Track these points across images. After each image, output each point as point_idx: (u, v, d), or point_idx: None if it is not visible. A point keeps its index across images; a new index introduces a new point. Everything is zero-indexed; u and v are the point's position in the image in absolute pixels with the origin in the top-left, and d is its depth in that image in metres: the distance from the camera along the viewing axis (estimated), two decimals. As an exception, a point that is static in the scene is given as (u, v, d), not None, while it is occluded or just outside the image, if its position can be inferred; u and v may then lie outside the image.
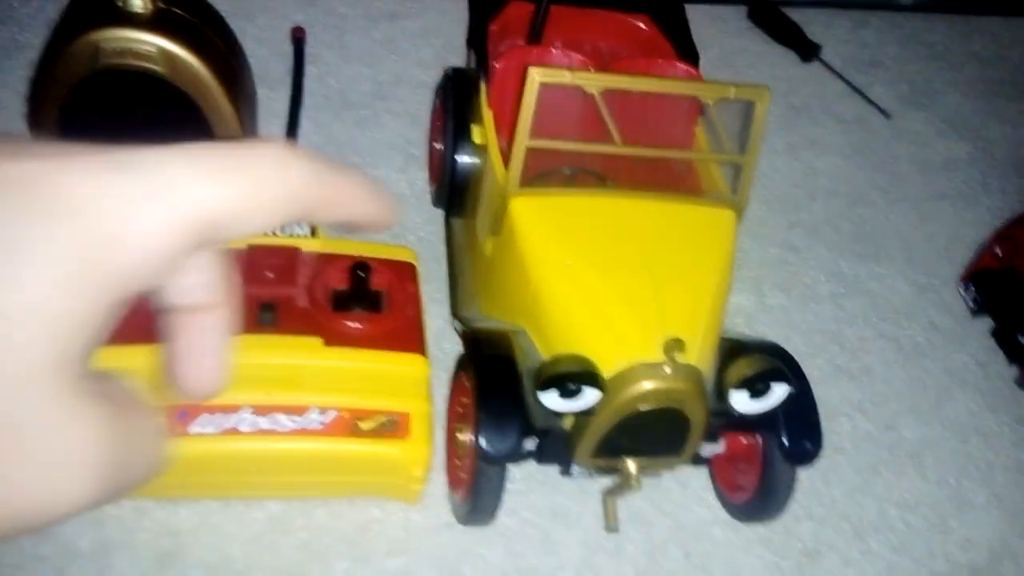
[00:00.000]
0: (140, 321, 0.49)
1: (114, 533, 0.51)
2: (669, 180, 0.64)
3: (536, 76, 0.52)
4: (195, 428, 0.49)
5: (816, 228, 0.79)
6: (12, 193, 0.19)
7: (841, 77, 0.95)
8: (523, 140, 0.53)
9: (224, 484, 0.53)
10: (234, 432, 0.50)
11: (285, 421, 0.51)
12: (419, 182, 0.75)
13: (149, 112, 0.58)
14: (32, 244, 0.19)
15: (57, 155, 0.20)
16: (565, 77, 0.53)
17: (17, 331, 0.18)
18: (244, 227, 0.22)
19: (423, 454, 0.52)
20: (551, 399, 0.48)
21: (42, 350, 0.19)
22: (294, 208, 0.23)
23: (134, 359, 0.50)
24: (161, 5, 0.57)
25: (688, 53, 0.69)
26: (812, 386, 0.54)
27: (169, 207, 0.20)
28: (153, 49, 0.56)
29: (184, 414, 0.50)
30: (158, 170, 0.20)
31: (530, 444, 0.51)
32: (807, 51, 0.96)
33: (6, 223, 0.19)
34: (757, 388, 0.49)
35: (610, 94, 0.54)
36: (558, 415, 0.50)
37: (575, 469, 0.53)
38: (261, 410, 0.51)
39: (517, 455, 0.50)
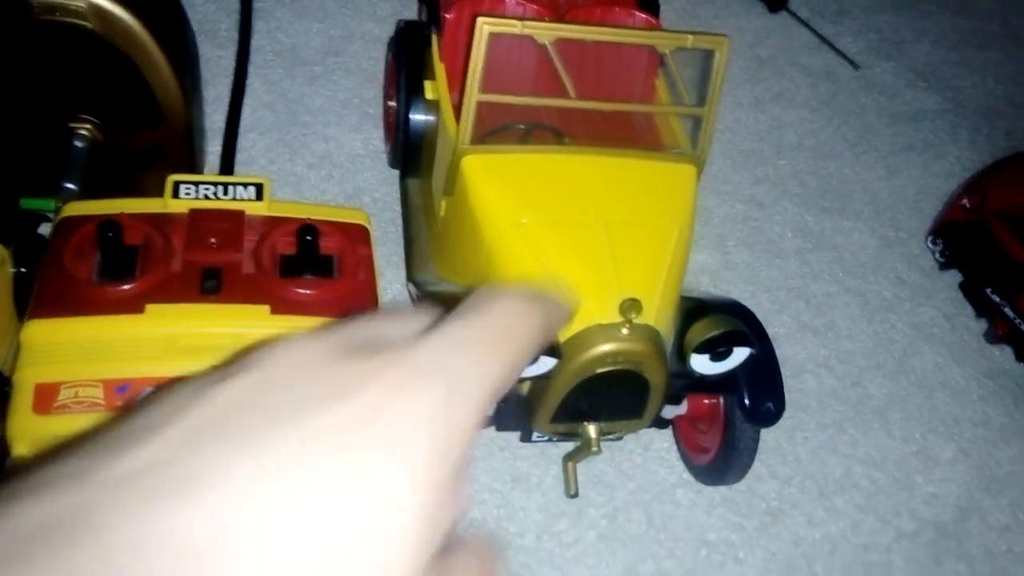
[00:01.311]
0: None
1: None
2: (628, 135, 0.62)
3: (485, 27, 0.50)
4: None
5: (782, 183, 0.77)
6: (355, 429, 0.18)
7: (808, 27, 0.93)
8: (473, 94, 0.51)
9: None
10: (178, 405, 0.48)
11: (231, 392, 0.49)
12: (375, 141, 0.73)
13: (82, 71, 0.55)
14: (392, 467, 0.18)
15: (376, 372, 0.19)
16: (515, 27, 0.51)
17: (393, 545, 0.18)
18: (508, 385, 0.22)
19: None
20: (504, 365, 0.46)
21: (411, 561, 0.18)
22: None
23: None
24: (90, -43, 0.54)
25: (648, 2, 0.66)
26: (777, 344, 0.52)
27: (473, 405, 0.19)
28: (83, 4, 0.53)
29: (125, 388, 0.48)
30: (456, 372, 0.20)
31: (488, 411, 0.50)
32: (774, 1, 0.93)
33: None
34: (718, 351, 0.48)
35: (564, 45, 0.52)
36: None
37: (535, 435, 0.52)
38: (205, 382, 0.49)
39: (472, 422, 0.49)
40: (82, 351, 0.48)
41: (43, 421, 0.46)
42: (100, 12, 0.53)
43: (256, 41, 0.76)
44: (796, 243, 0.73)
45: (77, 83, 0.56)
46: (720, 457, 0.53)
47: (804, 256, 0.72)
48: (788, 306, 0.68)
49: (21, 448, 0.47)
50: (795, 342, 0.66)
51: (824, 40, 0.92)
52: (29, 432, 0.46)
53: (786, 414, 0.51)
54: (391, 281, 0.63)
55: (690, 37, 0.53)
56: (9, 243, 0.52)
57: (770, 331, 0.53)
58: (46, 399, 0.47)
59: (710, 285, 0.68)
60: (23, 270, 0.54)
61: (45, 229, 0.58)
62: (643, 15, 0.64)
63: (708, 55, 0.54)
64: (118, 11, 0.54)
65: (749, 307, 0.54)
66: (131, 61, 0.55)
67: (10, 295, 0.53)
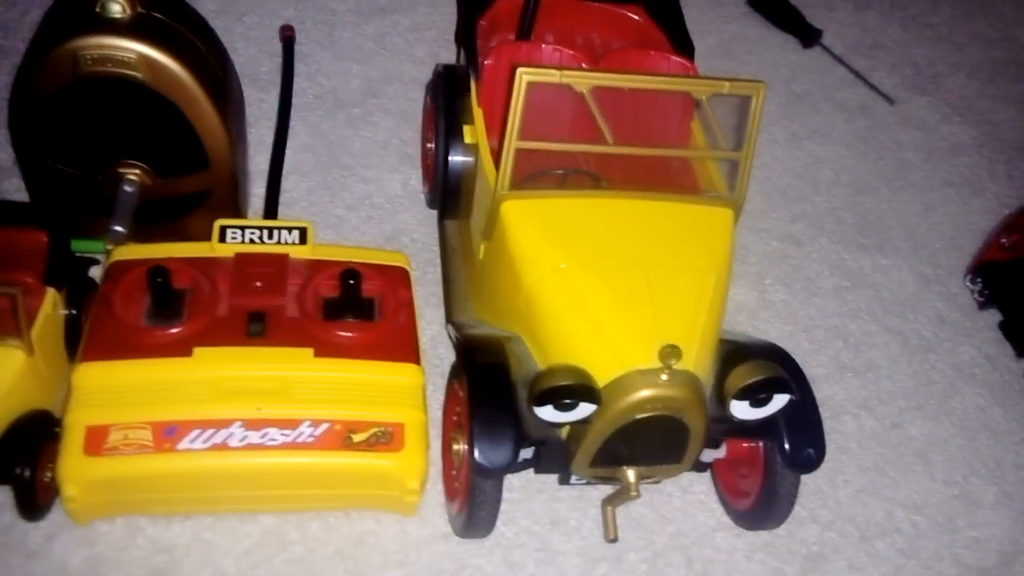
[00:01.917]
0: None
1: (106, 551, 0.50)
2: (665, 178, 0.62)
3: (524, 76, 0.51)
4: (184, 444, 0.48)
5: (819, 220, 0.77)
6: None
7: (843, 63, 0.93)
8: (512, 141, 0.52)
9: (216, 499, 0.52)
10: (224, 447, 0.49)
11: (276, 435, 0.50)
12: (413, 182, 0.74)
13: (132, 118, 0.57)
14: None
15: None
16: (554, 76, 0.52)
17: None
18: None
19: (418, 465, 0.51)
20: (546, 412, 0.47)
21: None
22: None
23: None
24: (140, 10, 0.56)
25: (683, 45, 0.67)
26: (815, 384, 0.52)
27: None
28: (133, 56, 0.55)
29: (173, 430, 0.49)
30: None
31: (528, 453, 0.50)
32: (808, 36, 0.94)
33: None
34: (758, 397, 0.48)
35: (602, 91, 0.53)
36: (553, 426, 0.49)
37: (573, 478, 0.52)
38: (251, 424, 0.50)
39: (512, 467, 0.49)
40: (131, 394, 0.50)
41: (93, 463, 0.48)
42: (149, 63, 0.55)
43: (297, 84, 0.77)
44: (834, 281, 0.72)
45: (126, 130, 0.58)
46: (760, 502, 0.53)
47: (842, 294, 0.71)
48: (827, 345, 0.68)
49: (71, 489, 0.48)
50: (834, 382, 0.65)
51: (858, 75, 0.92)
52: (79, 474, 0.48)
53: (826, 456, 0.50)
54: (430, 322, 0.64)
55: (727, 83, 0.53)
56: (61, 286, 0.54)
57: (808, 371, 0.53)
58: (97, 441, 0.48)
59: (747, 324, 0.68)
60: (74, 312, 0.55)
61: (94, 272, 0.59)
62: (678, 59, 0.65)
63: (745, 98, 0.54)
64: (167, 61, 0.56)
65: (787, 347, 0.54)
66: (178, 109, 0.57)
67: (61, 337, 0.55)
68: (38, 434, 0.49)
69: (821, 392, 0.52)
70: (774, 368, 0.49)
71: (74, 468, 0.48)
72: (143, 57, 0.55)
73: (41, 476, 0.49)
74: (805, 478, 0.53)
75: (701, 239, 0.54)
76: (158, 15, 0.57)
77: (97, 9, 0.55)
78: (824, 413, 0.51)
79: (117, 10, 0.55)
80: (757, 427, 0.50)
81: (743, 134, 0.55)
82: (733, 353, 0.51)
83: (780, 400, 0.49)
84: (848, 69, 0.92)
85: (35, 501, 0.49)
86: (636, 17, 0.71)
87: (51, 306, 0.52)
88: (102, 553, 0.50)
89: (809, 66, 0.92)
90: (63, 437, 0.48)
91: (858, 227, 0.77)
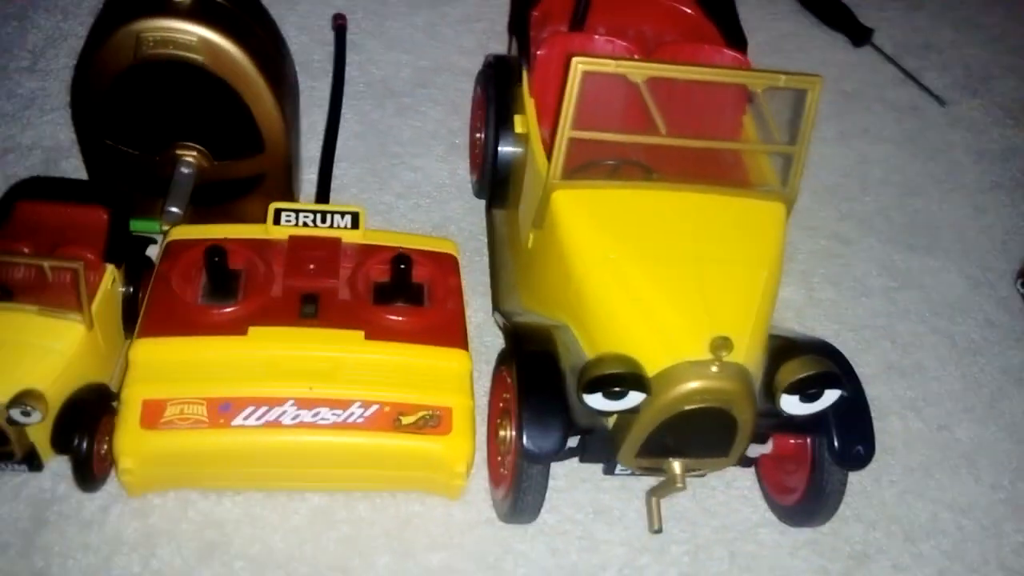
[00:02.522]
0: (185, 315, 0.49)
1: (159, 522, 0.51)
2: (717, 171, 0.62)
3: (580, 65, 0.51)
4: (238, 420, 0.49)
5: (868, 219, 0.76)
6: None
7: (894, 62, 0.92)
8: (566, 131, 0.52)
9: (267, 476, 0.53)
10: (276, 425, 0.50)
11: (327, 414, 0.50)
12: (461, 171, 0.75)
13: (191, 101, 0.58)
14: None
15: None
16: (609, 66, 0.52)
17: None
18: None
19: (465, 450, 0.51)
20: (595, 400, 0.47)
21: None
22: None
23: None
24: (203, -6, 0.56)
25: (735, 38, 0.67)
26: (863, 385, 0.52)
27: None
28: (194, 38, 0.55)
29: (227, 406, 0.50)
30: None
31: (573, 442, 0.50)
32: (858, 35, 0.93)
33: None
34: (809, 392, 0.48)
35: (656, 82, 0.53)
36: (602, 414, 0.49)
37: (618, 468, 0.52)
38: (303, 403, 0.50)
39: (559, 454, 0.49)
40: (187, 370, 0.51)
41: (149, 436, 0.49)
42: (210, 46, 0.56)
43: (348, 72, 0.78)
44: (882, 281, 0.72)
45: (184, 112, 0.59)
46: (806, 498, 0.52)
47: (890, 295, 0.71)
48: (874, 345, 0.67)
49: (127, 462, 0.49)
50: (881, 383, 0.65)
51: (910, 75, 0.91)
52: (136, 447, 0.49)
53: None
54: (476, 309, 0.64)
55: (783, 76, 0.53)
56: (120, 263, 0.55)
57: (855, 371, 0.52)
58: (153, 415, 0.49)
59: (795, 321, 0.67)
60: (131, 289, 0.56)
61: (150, 251, 0.61)
62: (731, 52, 0.65)
63: (798, 92, 0.54)
64: (227, 45, 0.56)
65: (835, 345, 0.54)
66: (236, 93, 0.58)
67: (119, 313, 0.56)
68: (96, 407, 0.51)
69: (868, 392, 0.51)
70: (826, 363, 0.49)
71: (130, 441, 0.49)
72: (204, 40, 0.56)
73: (98, 448, 0.50)
74: (850, 477, 0.52)
75: (753, 233, 0.54)
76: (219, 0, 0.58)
77: (161, -7, 0.56)
78: (871, 415, 0.51)
79: (180, -7, 0.56)
80: (805, 423, 0.50)
81: (796, 129, 0.55)
82: (783, 348, 0.51)
83: (831, 396, 0.48)
84: (899, 69, 0.91)
85: (92, 472, 0.50)
86: (688, 11, 0.71)
87: (110, 282, 0.54)
88: (155, 525, 0.51)
89: (859, 65, 0.92)
90: (120, 410, 0.49)
91: (907, 228, 0.77)
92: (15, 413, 0.46)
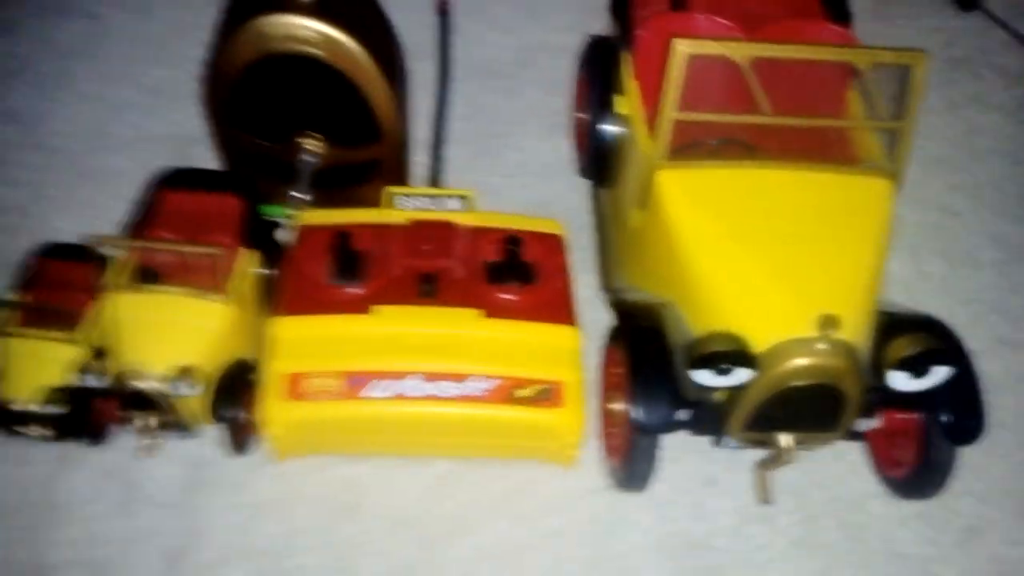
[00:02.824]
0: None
1: (301, 485, 0.56)
2: (822, 148, 0.62)
3: (682, 48, 0.52)
4: (368, 392, 0.53)
5: (978, 190, 0.75)
6: None
7: (1005, 26, 0.89)
8: (670, 113, 0.53)
9: (395, 443, 0.57)
10: (403, 397, 0.53)
11: (449, 388, 0.54)
12: (565, 150, 0.76)
13: (312, 93, 0.61)
14: None
15: None
16: (711, 47, 0.53)
17: None
18: None
19: (577, 422, 0.54)
20: (703, 376, 0.49)
21: None
22: None
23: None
24: (322, -9, 0.59)
25: (839, 12, 0.66)
26: (974, 359, 0.52)
27: None
28: (315, 34, 0.59)
29: (359, 380, 0.53)
30: None
31: (682, 415, 0.52)
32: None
33: None
34: (917, 369, 0.48)
35: (758, 60, 0.54)
36: (710, 389, 0.51)
37: (727, 440, 0.54)
38: (428, 377, 0.54)
39: (669, 426, 0.51)
40: (322, 346, 0.55)
41: (293, 406, 0.53)
42: (330, 41, 0.59)
43: (454, 56, 0.81)
44: (993, 254, 0.71)
45: (306, 103, 0.62)
46: (916, 472, 0.53)
47: (1002, 268, 0.70)
48: (984, 319, 0.67)
49: (274, 429, 0.54)
50: (992, 357, 0.64)
51: (1021, 39, 0.88)
52: (281, 416, 0.53)
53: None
54: (583, 286, 0.66)
55: (887, 53, 0.53)
56: (255, 247, 0.59)
57: (965, 346, 0.53)
58: (295, 387, 0.54)
59: (903, 295, 0.67)
60: (265, 271, 0.61)
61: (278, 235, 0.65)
62: (835, 27, 0.64)
63: (905, 67, 0.54)
64: (345, 40, 0.59)
65: (944, 320, 0.54)
66: (354, 85, 0.61)
67: (255, 293, 0.60)
68: (243, 380, 0.55)
69: (979, 366, 0.52)
70: (934, 341, 0.49)
71: (276, 411, 0.53)
72: (324, 36, 0.59)
73: (245, 417, 0.55)
74: (961, 450, 0.53)
75: (859, 210, 0.54)
76: (337, -4, 0.61)
77: (283, -10, 0.59)
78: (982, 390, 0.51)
79: (301, -9, 0.59)
80: (915, 398, 0.51)
81: (903, 103, 0.55)
82: (891, 324, 0.52)
83: (940, 372, 0.49)
84: (1009, 33, 0.88)
85: (241, 439, 0.55)
86: (792, -15, 0.70)
87: (247, 265, 0.58)
88: (296, 488, 0.56)
89: (968, 30, 0.89)
90: (266, 383, 0.54)
91: (1019, 199, 0.75)
92: (177, 386, 0.52)
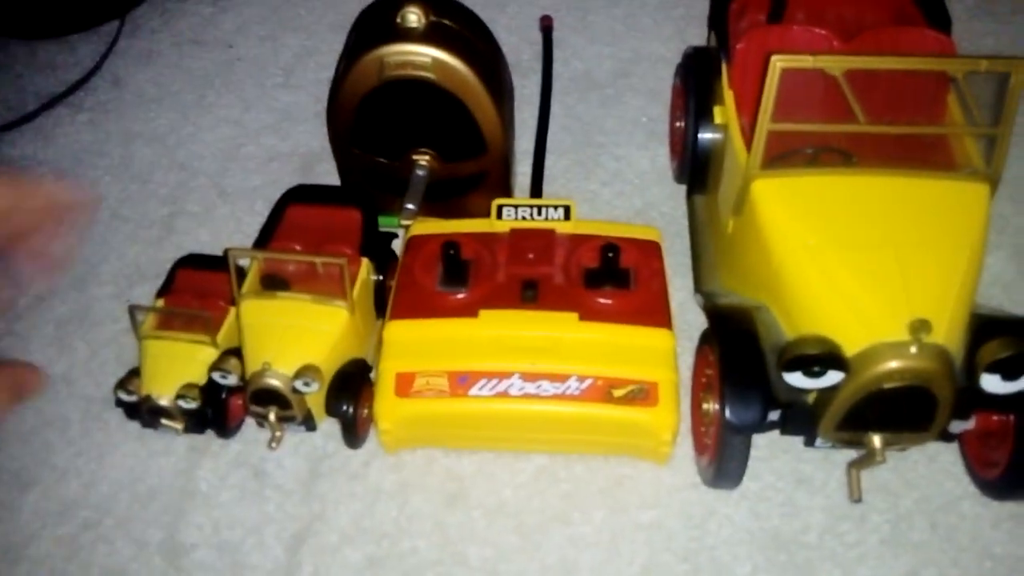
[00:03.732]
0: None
1: (410, 476, 0.61)
2: (919, 154, 0.63)
3: (778, 63, 0.54)
4: (474, 391, 0.57)
5: (1087, 190, 0.73)
6: None
7: (1125, 18, 0.86)
8: (765, 124, 0.55)
9: (498, 438, 0.61)
10: (505, 395, 0.57)
11: (548, 387, 0.57)
12: (661, 158, 0.79)
13: (424, 112, 0.66)
14: None
15: None
16: (807, 62, 0.54)
17: None
18: None
19: (671, 420, 0.57)
20: (795, 378, 0.51)
21: None
22: None
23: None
24: (433, 18, 0.64)
25: (939, 18, 0.66)
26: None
27: None
28: (428, 59, 0.63)
29: (465, 379, 0.58)
30: None
31: (774, 415, 0.55)
32: (1084, -9, 0.87)
33: None
34: (1010, 371, 0.49)
35: (854, 70, 0.55)
36: (802, 390, 0.53)
37: (819, 440, 0.55)
38: (528, 377, 0.57)
39: (761, 427, 0.53)
40: (431, 347, 0.59)
41: (403, 403, 0.58)
42: (441, 65, 0.64)
43: (554, 69, 0.84)
44: (1101, 255, 0.69)
45: (419, 122, 0.67)
46: (1009, 473, 0.54)
47: (1110, 269, 0.68)
48: (1090, 322, 0.65)
49: (385, 424, 0.58)
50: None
51: None
52: (392, 411, 0.58)
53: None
54: (678, 289, 0.69)
55: (984, 62, 0.53)
56: (372, 256, 0.65)
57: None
58: (404, 385, 0.58)
59: (1003, 296, 0.67)
60: (380, 278, 0.66)
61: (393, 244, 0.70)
62: (934, 33, 0.65)
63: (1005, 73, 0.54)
64: (455, 63, 0.64)
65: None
66: (462, 103, 0.65)
67: (372, 299, 0.65)
68: (359, 379, 0.60)
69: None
70: (1027, 343, 0.50)
71: (388, 407, 0.58)
72: (436, 60, 0.63)
73: (360, 412, 0.60)
74: (1060, 454, 0.53)
75: (954, 215, 0.55)
76: (446, 21, 0.65)
77: (398, 20, 0.64)
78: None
79: (414, 20, 0.64)
80: (1008, 400, 0.51)
81: (1000, 109, 0.55)
82: (985, 326, 0.52)
83: (1033, 375, 0.50)
84: None
85: (356, 433, 0.60)
86: (889, -9, 0.71)
87: (366, 273, 0.63)
88: (407, 478, 0.60)
89: (1083, 24, 0.87)
90: (378, 381, 0.59)
91: None
92: (299, 384, 0.57)
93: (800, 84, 0.61)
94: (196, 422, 0.61)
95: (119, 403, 0.62)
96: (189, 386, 0.59)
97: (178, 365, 0.60)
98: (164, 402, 0.59)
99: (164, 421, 0.60)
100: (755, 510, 0.58)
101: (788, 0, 0.69)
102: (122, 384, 0.61)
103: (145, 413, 0.60)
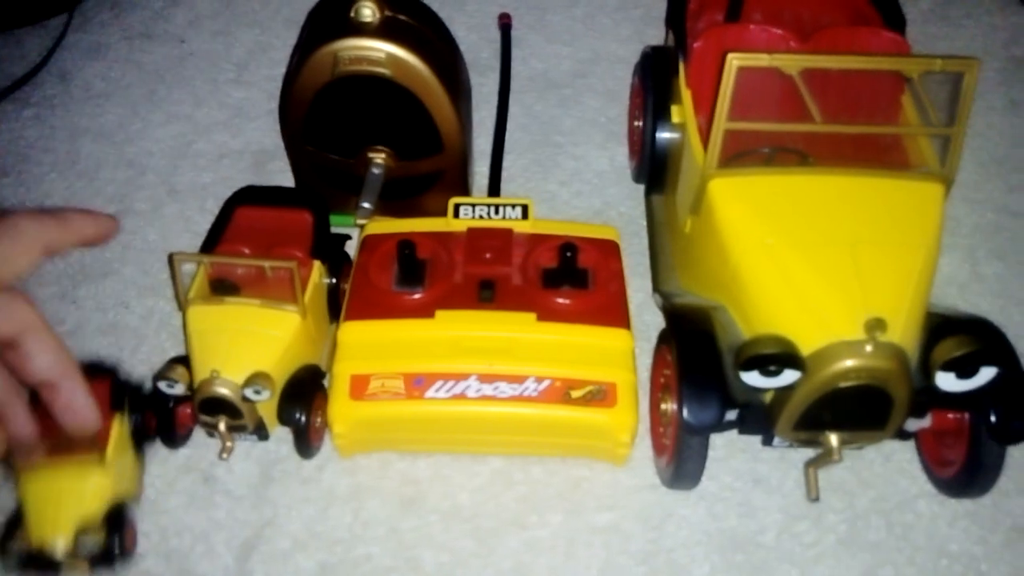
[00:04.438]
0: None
1: (365, 480, 0.59)
2: (874, 154, 0.63)
3: (734, 61, 0.54)
4: (430, 393, 0.56)
5: (1038, 191, 0.75)
6: None
7: (1073, 22, 0.87)
8: (721, 123, 0.55)
9: (454, 441, 0.60)
10: (462, 397, 0.56)
11: (505, 388, 0.56)
12: (619, 158, 0.79)
13: (379, 109, 0.65)
14: None
15: None
16: (763, 60, 0.54)
17: None
18: None
19: (629, 421, 0.56)
20: (752, 377, 0.50)
21: None
22: None
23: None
24: (388, 13, 0.63)
25: (893, 19, 0.67)
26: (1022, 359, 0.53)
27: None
28: (383, 55, 0.62)
29: (421, 380, 0.57)
30: None
31: (731, 415, 0.54)
32: (1033, -5, 0.89)
33: None
34: (964, 370, 0.49)
35: (810, 70, 0.55)
36: (758, 390, 0.52)
37: (776, 440, 0.55)
38: (485, 378, 0.57)
39: (718, 426, 0.53)
40: (386, 349, 0.58)
41: (357, 406, 0.56)
42: (396, 60, 0.62)
43: (512, 68, 0.83)
44: (1052, 255, 0.70)
45: (374, 119, 0.66)
46: (964, 471, 0.54)
47: (1061, 269, 0.69)
48: (1042, 321, 0.66)
49: (340, 427, 0.57)
50: (1048, 358, 0.64)
51: (1091, 35, 0.86)
52: (346, 414, 0.57)
53: (1035, 432, 0.51)
54: (637, 290, 0.68)
55: (938, 61, 0.54)
56: (324, 259, 0.63)
57: (1021, 346, 0.53)
58: (359, 387, 0.57)
59: (958, 297, 0.68)
60: (333, 281, 0.64)
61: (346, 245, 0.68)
62: (889, 34, 0.65)
63: (959, 73, 0.54)
64: (410, 59, 0.63)
65: (1000, 322, 0.54)
66: (419, 100, 0.64)
67: (325, 302, 0.64)
68: (311, 385, 0.59)
69: (1031, 367, 0.52)
70: (980, 342, 0.50)
71: (342, 409, 0.57)
72: (391, 56, 0.62)
73: (313, 420, 0.58)
74: (1013, 450, 0.53)
75: (909, 214, 0.55)
76: (402, 16, 0.64)
77: (351, 15, 0.63)
78: (1034, 390, 0.52)
79: (368, 15, 0.62)
80: (963, 398, 0.52)
81: (954, 110, 0.55)
82: (940, 325, 0.53)
83: (987, 373, 0.50)
84: (1079, 28, 0.87)
85: (309, 442, 0.59)
86: (845, -9, 0.71)
87: (318, 276, 0.62)
88: (362, 482, 0.59)
89: (1032, 28, 0.88)
90: (332, 384, 0.58)
91: (1083, 199, 0.74)
92: (248, 392, 0.55)
93: (757, 83, 0.61)
94: (104, 559, 0.52)
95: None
96: (86, 522, 0.51)
97: (68, 500, 0.51)
98: (60, 549, 0.50)
99: None
100: (712, 511, 0.57)
101: (745, 0, 0.69)
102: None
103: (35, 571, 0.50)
